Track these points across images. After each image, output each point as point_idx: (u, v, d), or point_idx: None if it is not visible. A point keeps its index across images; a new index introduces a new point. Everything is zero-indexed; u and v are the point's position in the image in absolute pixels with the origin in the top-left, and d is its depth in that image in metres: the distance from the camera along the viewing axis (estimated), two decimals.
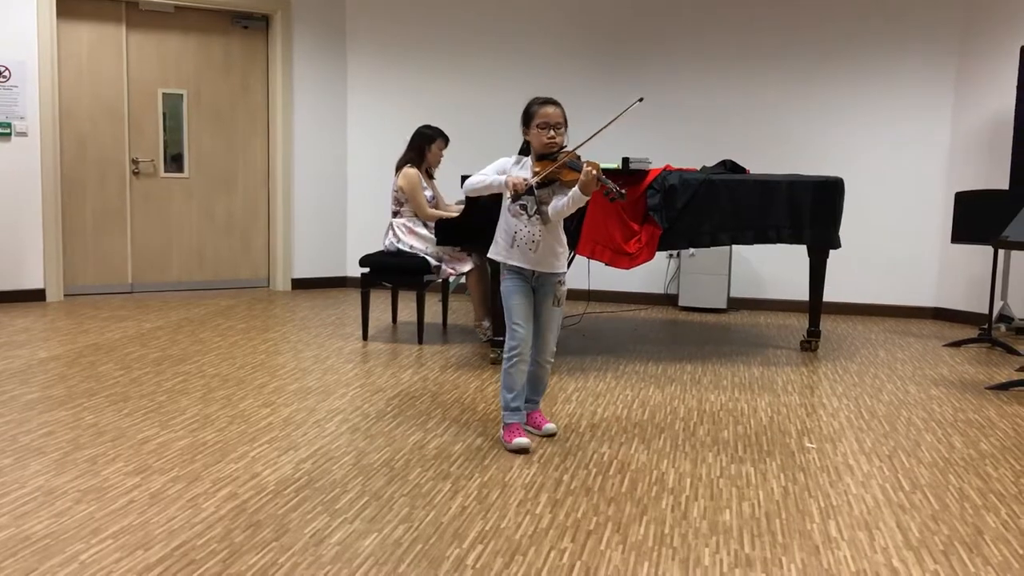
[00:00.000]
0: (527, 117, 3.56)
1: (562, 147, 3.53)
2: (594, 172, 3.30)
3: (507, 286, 3.58)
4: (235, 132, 7.71)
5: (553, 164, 3.45)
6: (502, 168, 3.57)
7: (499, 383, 4.48)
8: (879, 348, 5.85)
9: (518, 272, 3.56)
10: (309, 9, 7.74)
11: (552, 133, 3.49)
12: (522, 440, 3.47)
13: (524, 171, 3.53)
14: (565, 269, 3.63)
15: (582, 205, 3.43)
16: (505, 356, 3.53)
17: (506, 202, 3.56)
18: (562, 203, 3.44)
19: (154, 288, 7.46)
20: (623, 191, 3.41)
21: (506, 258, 3.56)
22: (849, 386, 4.74)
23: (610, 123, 3.53)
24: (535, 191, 3.48)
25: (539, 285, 3.59)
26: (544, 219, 3.51)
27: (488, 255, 3.68)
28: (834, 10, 7.14)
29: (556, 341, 3.68)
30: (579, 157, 3.48)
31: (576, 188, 3.35)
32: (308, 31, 7.76)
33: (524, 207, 3.51)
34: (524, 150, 3.63)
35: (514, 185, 3.40)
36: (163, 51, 7.35)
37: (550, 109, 3.50)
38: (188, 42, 7.44)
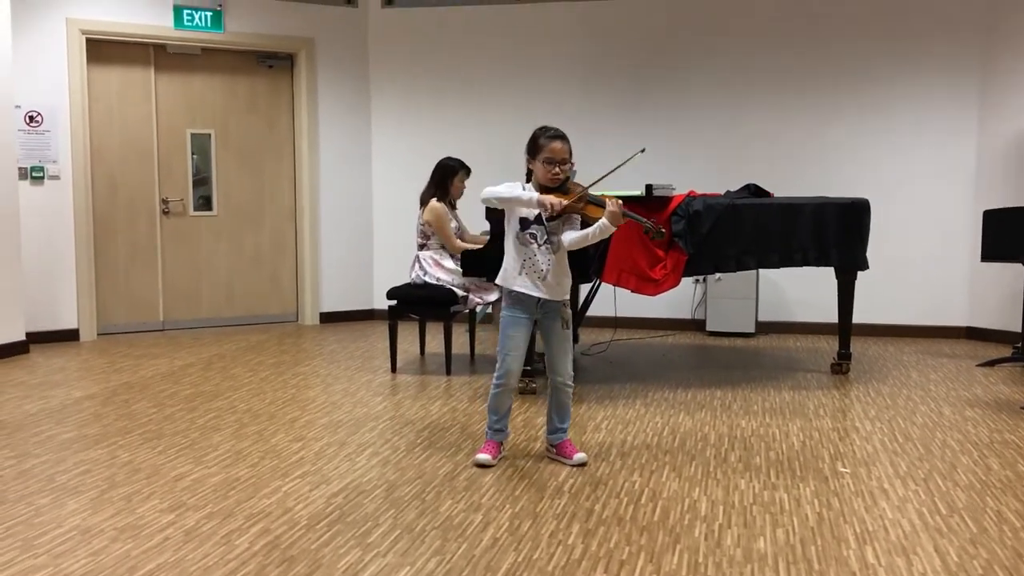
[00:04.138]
0: (534, 148, 3.61)
1: (566, 179, 3.59)
2: (619, 204, 3.41)
3: (507, 318, 3.67)
4: (262, 170, 7.81)
5: (571, 197, 3.50)
6: (514, 189, 3.61)
7: (526, 412, 4.52)
8: (911, 369, 5.79)
9: (521, 302, 3.62)
10: (332, 47, 7.86)
11: (557, 169, 3.54)
12: (483, 456, 3.66)
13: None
14: (568, 294, 3.71)
15: (606, 237, 3.53)
16: (493, 383, 3.69)
17: (513, 230, 3.63)
18: (586, 233, 3.53)
19: (185, 325, 7.55)
20: (661, 229, 3.54)
21: (513, 285, 3.62)
22: (882, 409, 4.70)
23: (613, 170, 3.60)
24: (544, 221, 3.55)
25: (544, 312, 3.66)
26: (554, 248, 3.58)
27: (496, 281, 3.74)
28: (856, 34, 7.14)
29: (572, 363, 3.72)
30: (587, 190, 3.55)
31: (604, 220, 3.43)
32: (332, 68, 7.87)
33: (534, 236, 3.58)
34: (528, 177, 3.70)
35: (551, 204, 3.45)
36: (190, 92, 7.49)
37: (558, 145, 3.55)
38: (215, 83, 7.57)
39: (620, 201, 3.45)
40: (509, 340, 3.64)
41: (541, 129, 3.62)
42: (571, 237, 3.56)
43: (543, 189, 3.56)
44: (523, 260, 3.59)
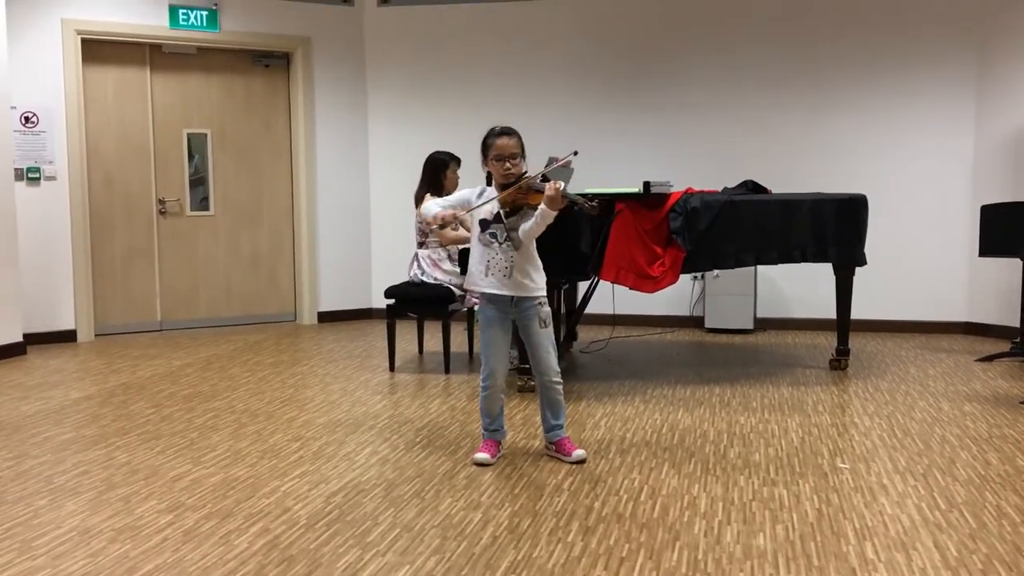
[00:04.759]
0: (484, 149, 3.65)
1: (521, 175, 3.61)
2: (557, 187, 3.41)
3: (482, 319, 3.71)
4: (259, 169, 7.80)
5: (515, 191, 3.52)
6: (465, 199, 3.68)
7: (525, 410, 4.52)
8: (910, 365, 5.79)
9: (495, 301, 3.65)
10: (329, 46, 7.85)
11: (507, 164, 3.57)
12: (481, 455, 3.67)
13: (489, 203, 3.60)
14: (543, 291, 3.69)
15: (551, 222, 3.52)
16: (480, 386, 3.72)
17: (475, 231, 3.66)
18: (531, 223, 3.54)
19: (183, 325, 7.54)
20: (594, 202, 3.51)
21: (482, 287, 3.65)
22: (881, 404, 4.70)
23: (550, 168, 3.65)
24: (503, 219, 3.58)
25: (520, 311, 3.66)
26: (515, 244, 3.59)
27: (464, 285, 3.74)
28: (853, 29, 7.14)
29: (556, 359, 3.73)
30: (542, 180, 3.54)
31: (543, 206, 3.46)
32: (328, 67, 7.86)
33: (494, 235, 3.61)
34: (488, 181, 3.72)
35: (441, 218, 3.54)
36: (187, 92, 7.48)
37: (503, 141, 3.59)
38: (211, 82, 7.56)
39: (559, 185, 3.45)
40: (488, 341, 3.69)
41: (490, 130, 3.66)
42: (521, 229, 3.57)
43: (501, 188, 3.59)
44: (487, 261, 3.62)
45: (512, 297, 3.62)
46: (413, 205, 5.76)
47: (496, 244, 3.60)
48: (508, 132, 3.61)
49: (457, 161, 5.72)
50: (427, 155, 5.74)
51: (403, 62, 7.99)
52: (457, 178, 5.71)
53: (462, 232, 5.59)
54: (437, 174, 5.63)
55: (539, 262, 3.69)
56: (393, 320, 5.67)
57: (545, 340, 3.68)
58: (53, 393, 5.10)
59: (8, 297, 6.28)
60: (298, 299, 7.99)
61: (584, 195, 3.68)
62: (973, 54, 6.94)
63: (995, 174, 6.83)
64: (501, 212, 3.56)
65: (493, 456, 3.69)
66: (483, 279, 3.63)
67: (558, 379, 3.72)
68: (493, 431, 3.76)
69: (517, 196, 3.53)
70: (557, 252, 4.34)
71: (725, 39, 7.39)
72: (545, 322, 3.67)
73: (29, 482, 3.48)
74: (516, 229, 3.58)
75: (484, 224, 3.61)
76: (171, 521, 3.03)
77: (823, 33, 7.21)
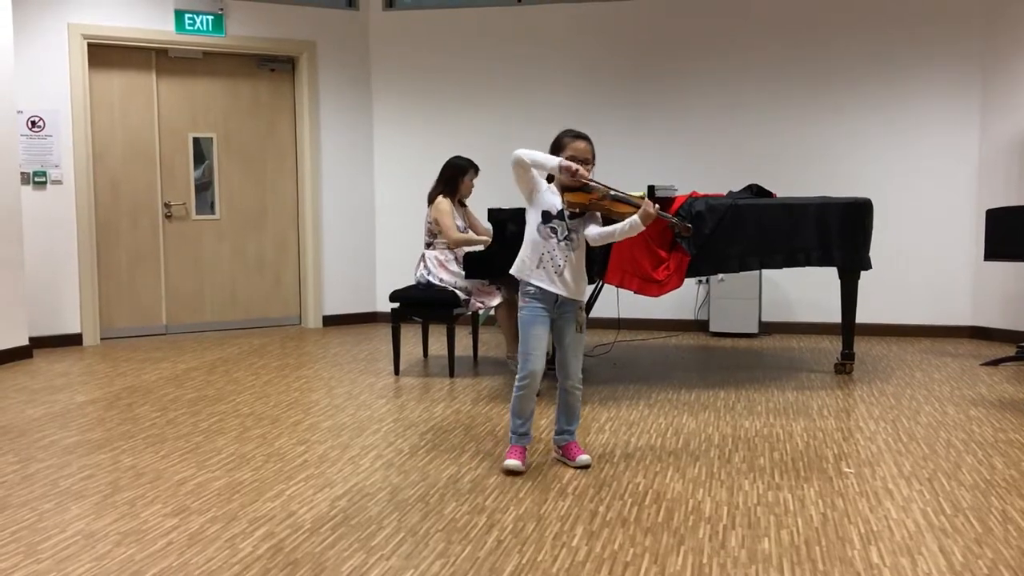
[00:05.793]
0: (556, 148, 3.63)
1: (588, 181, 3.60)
2: (656, 208, 3.47)
3: (526, 315, 3.64)
4: (264, 172, 7.82)
5: (594, 196, 3.54)
6: (536, 181, 3.63)
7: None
8: (915, 369, 5.78)
9: (539, 299, 3.60)
10: (334, 50, 7.86)
11: (579, 168, 3.55)
12: (512, 462, 3.58)
13: (555, 196, 3.58)
14: (584, 298, 3.70)
15: (634, 235, 3.57)
16: (516, 383, 3.63)
17: (535, 222, 3.61)
18: (613, 228, 3.55)
19: (188, 329, 7.55)
20: (688, 225, 3.56)
21: (530, 278, 3.60)
22: (886, 408, 4.69)
23: (613, 191, 3.61)
24: (566, 218, 3.56)
25: (560, 312, 3.64)
26: (573, 246, 3.58)
27: (511, 271, 3.71)
28: (857, 30, 7.14)
29: (581, 366, 3.71)
30: (610, 191, 3.56)
31: (635, 218, 3.48)
32: (333, 71, 7.87)
33: (554, 231, 3.58)
34: (550, 178, 3.67)
35: (569, 168, 3.45)
36: (192, 96, 7.50)
37: (581, 144, 3.59)
38: (216, 86, 7.58)
39: (656, 204, 3.50)
40: (531, 339, 3.60)
41: (565, 131, 3.67)
42: (597, 231, 3.57)
43: (564, 189, 3.56)
44: (541, 254, 3.58)
45: (557, 296, 3.58)
46: (416, 207, 5.78)
47: (554, 240, 3.57)
48: (585, 137, 3.63)
49: (476, 170, 5.75)
50: (435, 158, 5.79)
51: (408, 66, 7.99)
52: (472, 186, 5.75)
53: (471, 235, 5.62)
54: (456, 178, 5.67)
55: (585, 269, 3.69)
56: (398, 324, 5.68)
57: (577, 346, 3.67)
58: (58, 397, 5.11)
59: (14, 301, 6.30)
60: (303, 302, 7.99)
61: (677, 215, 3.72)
62: (977, 57, 6.92)
63: (1000, 177, 6.82)
64: (565, 211, 3.55)
65: (523, 463, 3.61)
66: (533, 271, 3.59)
67: (580, 385, 3.71)
68: (522, 435, 3.66)
69: (594, 200, 3.53)
70: None
71: (728, 43, 7.38)
72: (581, 327, 3.66)
73: (35, 486, 3.49)
74: (577, 231, 3.58)
75: (546, 216, 3.57)
76: (176, 525, 3.04)
77: (826, 36, 7.20)
